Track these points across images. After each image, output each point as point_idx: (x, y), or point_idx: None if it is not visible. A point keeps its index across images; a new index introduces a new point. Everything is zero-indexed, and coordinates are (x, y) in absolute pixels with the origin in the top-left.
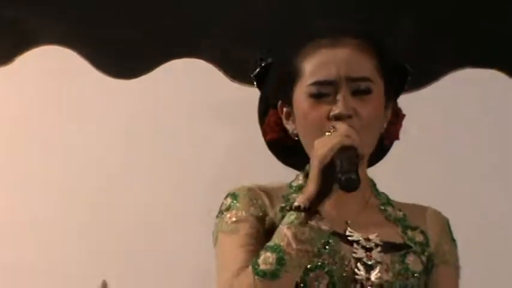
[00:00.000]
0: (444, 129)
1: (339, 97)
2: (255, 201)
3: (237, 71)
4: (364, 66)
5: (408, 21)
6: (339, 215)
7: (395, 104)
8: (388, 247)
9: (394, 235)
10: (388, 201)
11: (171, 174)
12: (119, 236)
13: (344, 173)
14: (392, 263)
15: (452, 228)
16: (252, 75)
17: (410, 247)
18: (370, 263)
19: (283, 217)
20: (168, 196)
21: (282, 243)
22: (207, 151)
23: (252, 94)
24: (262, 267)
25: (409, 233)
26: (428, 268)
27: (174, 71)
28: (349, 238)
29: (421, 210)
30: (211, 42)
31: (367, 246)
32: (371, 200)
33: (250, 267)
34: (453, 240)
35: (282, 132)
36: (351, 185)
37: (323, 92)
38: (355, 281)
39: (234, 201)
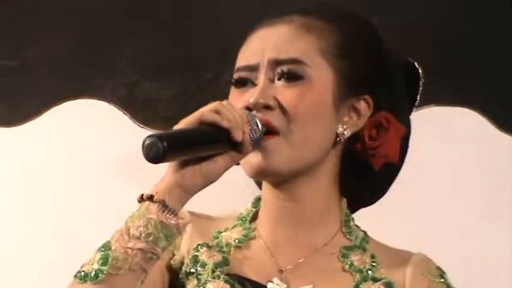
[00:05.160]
0: None
1: (257, 83)
2: None
3: (147, 114)
4: (298, 45)
5: None
6: (275, 258)
7: (383, 113)
8: None
9: None
10: (361, 243)
11: (66, 248)
12: None
13: (153, 137)
14: None
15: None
16: None
17: None
18: None
19: (194, 258)
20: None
21: (111, 239)
22: (110, 215)
23: None
24: (84, 268)
25: (363, 286)
26: None
27: (67, 115)
28: None
29: (404, 257)
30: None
31: None
32: (335, 239)
33: None
34: None
35: None
36: (148, 151)
37: (243, 79)
38: None
39: None
